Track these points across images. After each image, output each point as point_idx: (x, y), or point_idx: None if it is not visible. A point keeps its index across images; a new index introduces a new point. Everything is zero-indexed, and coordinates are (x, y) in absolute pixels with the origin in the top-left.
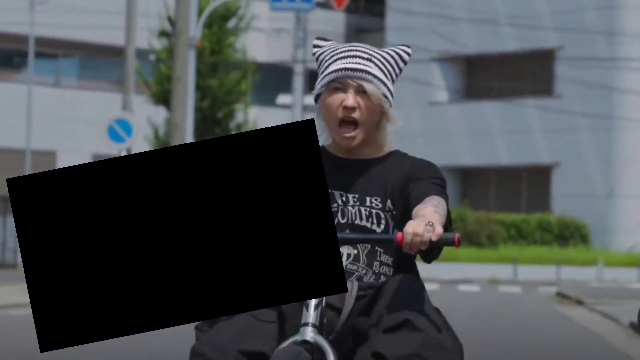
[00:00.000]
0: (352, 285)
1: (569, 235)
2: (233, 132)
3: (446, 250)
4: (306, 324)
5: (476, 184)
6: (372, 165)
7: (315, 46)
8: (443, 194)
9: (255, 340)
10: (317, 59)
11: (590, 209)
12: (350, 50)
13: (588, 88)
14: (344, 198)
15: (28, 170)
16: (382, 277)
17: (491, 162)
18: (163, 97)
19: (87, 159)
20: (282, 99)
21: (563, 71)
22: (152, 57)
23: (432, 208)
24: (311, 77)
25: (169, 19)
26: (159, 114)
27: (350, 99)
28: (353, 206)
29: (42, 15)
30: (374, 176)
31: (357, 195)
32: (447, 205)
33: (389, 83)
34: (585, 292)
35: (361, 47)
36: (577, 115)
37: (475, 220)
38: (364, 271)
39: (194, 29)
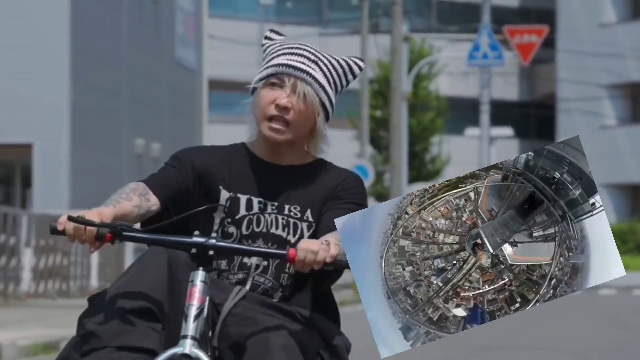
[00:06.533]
0: (239, 290)
1: None
2: (428, 165)
3: (622, 259)
4: (185, 337)
5: None
6: (296, 172)
7: (266, 38)
8: None
9: (136, 336)
10: (264, 51)
11: None
12: (298, 49)
13: None
14: (261, 205)
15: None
16: (288, 290)
17: None
18: (369, 137)
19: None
20: (470, 131)
21: None
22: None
23: (334, 238)
24: (496, 110)
25: (386, 76)
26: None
27: (284, 98)
28: (270, 214)
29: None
30: (296, 184)
31: (275, 203)
32: None
33: (331, 92)
34: None
35: (310, 48)
36: None
37: None
38: (270, 284)
39: (405, 85)
